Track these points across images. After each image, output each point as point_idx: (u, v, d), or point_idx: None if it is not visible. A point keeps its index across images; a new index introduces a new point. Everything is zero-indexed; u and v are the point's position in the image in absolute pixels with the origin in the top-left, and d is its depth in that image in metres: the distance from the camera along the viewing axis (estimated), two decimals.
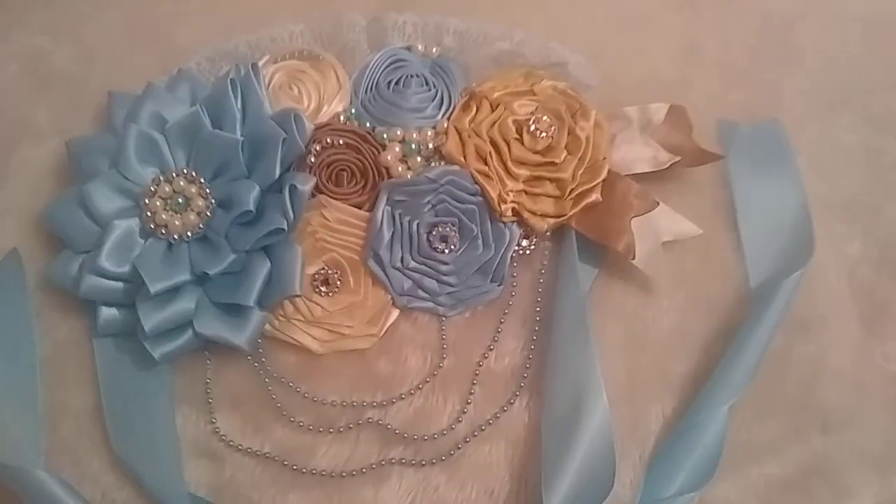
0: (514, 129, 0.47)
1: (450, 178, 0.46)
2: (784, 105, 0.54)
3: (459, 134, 0.48)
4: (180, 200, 0.45)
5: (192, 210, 0.45)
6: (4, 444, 0.42)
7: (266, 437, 0.44)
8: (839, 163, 0.52)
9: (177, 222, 0.44)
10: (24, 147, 0.52)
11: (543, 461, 0.40)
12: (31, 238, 0.48)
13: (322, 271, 0.46)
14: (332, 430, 0.44)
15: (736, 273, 0.48)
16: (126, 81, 0.50)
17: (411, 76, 0.50)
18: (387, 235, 0.46)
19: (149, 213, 0.45)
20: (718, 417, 0.41)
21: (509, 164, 0.47)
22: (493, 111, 0.48)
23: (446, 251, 0.46)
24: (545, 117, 0.47)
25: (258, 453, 0.43)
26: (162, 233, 0.45)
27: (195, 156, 0.46)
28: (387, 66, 0.50)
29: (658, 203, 0.46)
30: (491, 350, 0.46)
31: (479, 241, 0.46)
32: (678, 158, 0.48)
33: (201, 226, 0.45)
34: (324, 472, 0.42)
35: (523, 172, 0.47)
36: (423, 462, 0.43)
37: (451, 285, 0.46)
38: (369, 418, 0.44)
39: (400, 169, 0.47)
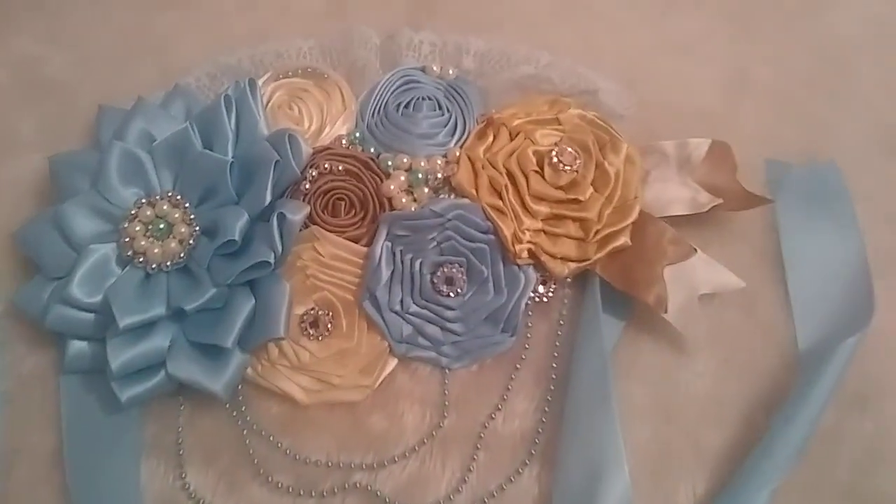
0: (534, 161, 0.46)
1: (458, 212, 0.45)
2: (841, 144, 0.53)
3: (472, 163, 0.47)
4: (162, 226, 0.44)
5: (174, 237, 0.43)
6: None
7: (240, 498, 0.42)
8: None
9: (156, 250, 0.43)
10: (5, 161, 0.51)
11: None
12: (4, 260, 0.47)
13: (311, 312, 0.44)
14: (314, 494, 0.42)
15: (782, 334, 0.46)
16: (121, 95, 0.49)
17: (423, 98, 0.49)
18: (385, 274, 0.44)
19: (127, 239, 0.43)
20: (759, 502, 0.39)
21: (527, 199, 0.45)
22: (511, 140, 0.47)
23: (452, 295, 0.44)
24: (570, 149, 0.46)
25: None
26: (139, 261, 0.43)
27: (182, 178, 0.45)
28: (397, 88, 0.50)
29: (695, 250, 0.45)
30: (499, 410, 0.44)
31: (490, 286, 0.45)
32: (720, 201, 0.47)
33: (182, 255, 0.43)
34: None
35: (543, 209, 0.45)
36: None
37: (456, 334, 0.44)
38: (357, 482, 0.42)
39: (404, 200, 0.46)
